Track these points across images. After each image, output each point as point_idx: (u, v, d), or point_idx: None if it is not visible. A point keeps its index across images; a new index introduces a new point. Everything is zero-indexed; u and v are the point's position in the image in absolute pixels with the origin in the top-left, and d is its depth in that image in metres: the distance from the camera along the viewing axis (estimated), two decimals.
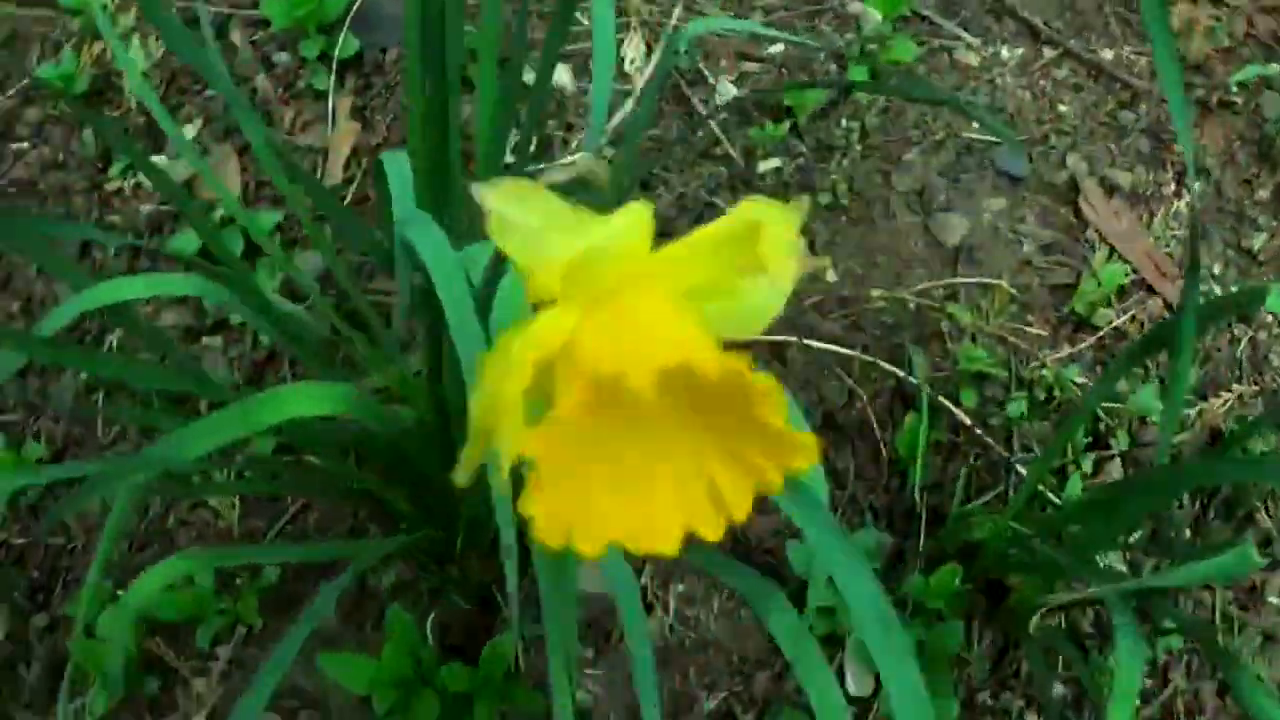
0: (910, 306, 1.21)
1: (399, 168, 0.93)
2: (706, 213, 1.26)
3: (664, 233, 0.44)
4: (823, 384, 1.19)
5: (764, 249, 0.44)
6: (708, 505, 0.45)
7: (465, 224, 0.93)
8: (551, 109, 1.29)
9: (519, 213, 0.45)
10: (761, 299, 0.46)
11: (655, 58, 1.32)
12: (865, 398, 1.18)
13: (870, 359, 1.19)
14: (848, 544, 0.70)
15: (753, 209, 0.46)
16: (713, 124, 1.29)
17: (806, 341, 1.20)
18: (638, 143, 1.23)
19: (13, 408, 1.24)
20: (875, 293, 1.23)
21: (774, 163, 1.29)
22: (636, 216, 0.44)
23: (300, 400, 0.84)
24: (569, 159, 1.25)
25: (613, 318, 0.43)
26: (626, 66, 1.33)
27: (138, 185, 1.32)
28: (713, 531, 0.46)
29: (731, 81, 1.33)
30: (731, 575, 0.82)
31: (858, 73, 1.30)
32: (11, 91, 1.38)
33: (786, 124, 1.29)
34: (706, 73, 1.34)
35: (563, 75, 1.30)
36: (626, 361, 0.42)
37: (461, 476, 0.49)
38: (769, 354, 1.20)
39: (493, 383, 0.45)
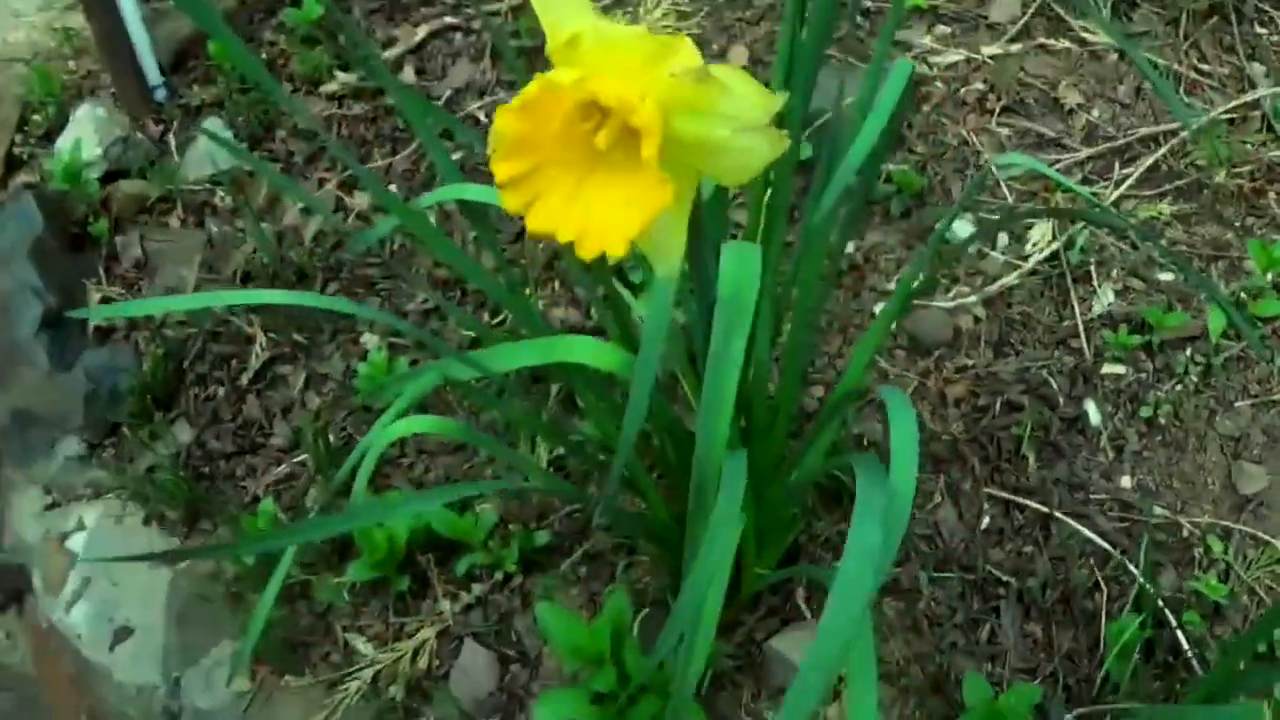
0: (1182, 532, 1.35)
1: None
2: (1043, 389, 1.47)
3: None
4: (1072, 566, 1.35)
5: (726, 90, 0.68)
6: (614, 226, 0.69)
7: None
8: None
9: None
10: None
11: (1055, 245, 1.57)
12: (1106, 592, 1.32)
13: (1123, 559, 1.34)
14: None
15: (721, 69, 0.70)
16: (1079, 318, 1.52)
17: (1077, 525, 1.37)
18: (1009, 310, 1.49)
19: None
20: (1158, 509, 1.37)
21: (1118, 369, 1.48)
22: (644, 37, 0.69)
23: (586, 349, 1.16)
24: None
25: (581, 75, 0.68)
26: (1028, 246, 1.59)
27: None
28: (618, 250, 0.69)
29: (1114, 290, 1.55)
30: None
31: (1217, 316, 1.48)
32: None
33: (1142, 338, 1.49)
34: (1094, 274, 1.57)
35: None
36: (582, 91, 0.67)
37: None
38: (1037, 520, 1.38)
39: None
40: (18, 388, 1.75)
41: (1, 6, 2.37)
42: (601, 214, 0.67)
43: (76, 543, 1.66)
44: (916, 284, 1.24)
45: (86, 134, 1.97)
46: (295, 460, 1.61)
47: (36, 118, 2.10)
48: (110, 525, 1.66)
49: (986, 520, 1.40)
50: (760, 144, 0.67)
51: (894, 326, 1.54)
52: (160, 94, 2.03)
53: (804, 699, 0.75)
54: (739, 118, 0.67)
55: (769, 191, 1.13)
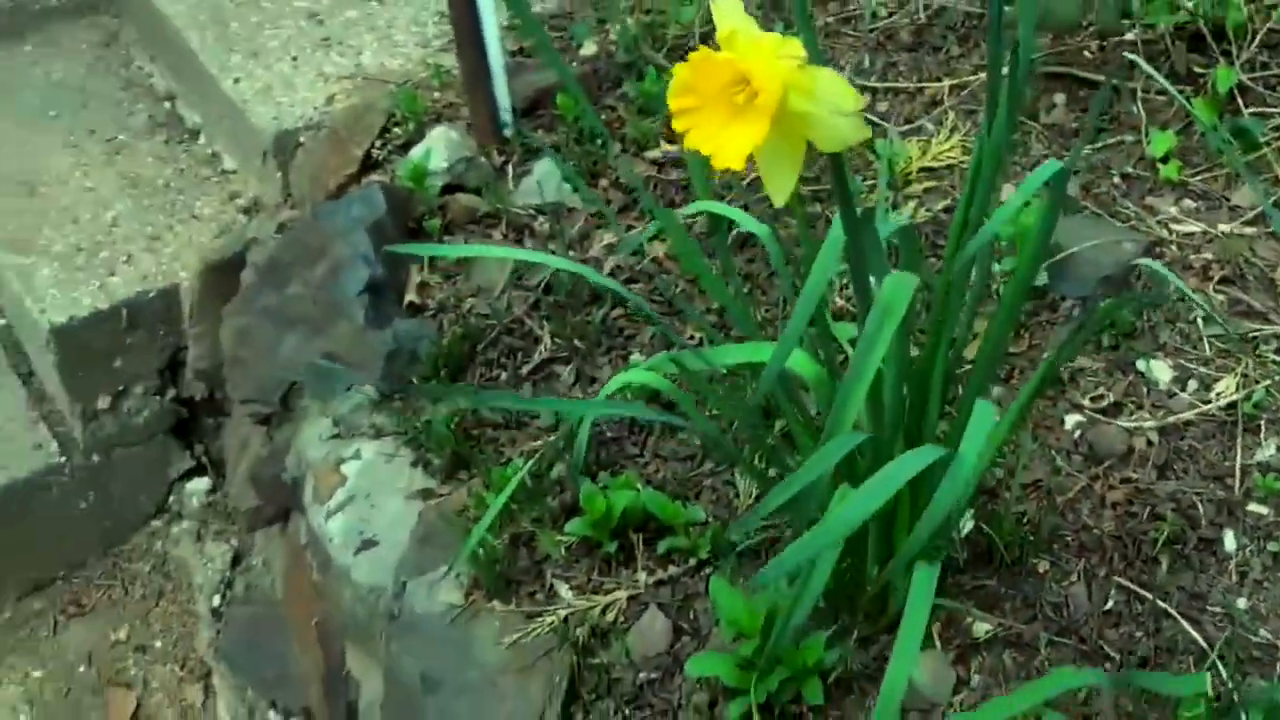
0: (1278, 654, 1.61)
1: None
2: (1190, 511, 1.75)
3: None
4: (1175, 656, 1.62)
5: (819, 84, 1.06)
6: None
7: None
8: None
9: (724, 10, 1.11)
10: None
11: (1236, 396, 1.87)
12: None
13: (1218, 662, 1.61)
14: None
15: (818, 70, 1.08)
16: (1239, 460, 1.81)
17: (1187, 625, 1.64)
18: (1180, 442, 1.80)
19: None
20: (1263, 631, 1.63)
21: (1262, 509, 1.76)
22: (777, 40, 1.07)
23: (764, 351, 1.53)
24: None
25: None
26: (1212, 393, 1.89)
27: None
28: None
29: (1277, 445, 1.82)
30: None
31: None
32: None
33: None
34: (1263, 427, 1.85)
35: None
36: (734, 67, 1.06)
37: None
38: (1153, 614, 1.66)
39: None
40: (333, 336, 2.20)
41: (386, 37, 2.91)
42: (730, 141, 1.05)
43: (350, 469, 2.07)
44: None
45: (437, 149, 2.43)
46: (550, 440, 2.00)
47: (397, 130, 2.59)
48: (382, 461, 2.07)
49: (1110, 604, 1.68)
50: (846, 125, 1.09)
51: (1077, 435, 1.85)
52: (507, 131, 2.48)
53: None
54: (834, 104, 1.08)
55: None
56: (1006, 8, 1.40)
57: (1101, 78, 2.44)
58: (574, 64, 2.65)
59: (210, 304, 2.69)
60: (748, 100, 1.06)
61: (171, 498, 2.89)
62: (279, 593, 2.54)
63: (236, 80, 2.81)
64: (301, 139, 2.67)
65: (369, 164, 2.56)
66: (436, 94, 2.66)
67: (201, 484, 2.89)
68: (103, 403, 2.74)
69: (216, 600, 2.72)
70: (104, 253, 2.78)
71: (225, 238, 2.76)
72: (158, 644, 2.75)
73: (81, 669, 2.73)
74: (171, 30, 3.03)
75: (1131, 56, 2.35)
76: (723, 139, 1.08)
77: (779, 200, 1.12)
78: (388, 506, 2.00)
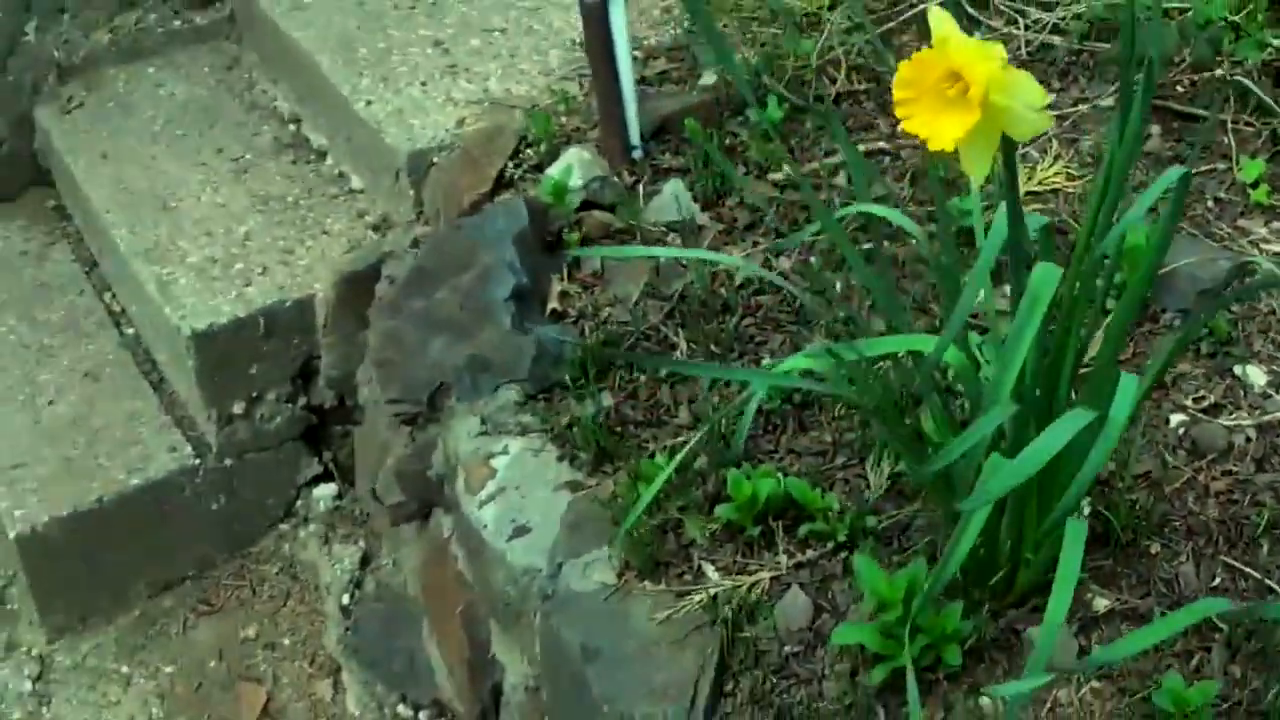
0: None
1: None
2: None
3: None
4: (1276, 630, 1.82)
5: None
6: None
7: None
8: None
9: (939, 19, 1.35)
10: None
11: None
12: None
13: None
14: None
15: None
16: None
17: None
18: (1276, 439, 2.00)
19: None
20: None
21: None
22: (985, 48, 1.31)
23: (915, 341, 1.75)
24: None
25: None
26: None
27: None
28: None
29: None
30: None
31: None
32: None
33: None
34: None
35: None
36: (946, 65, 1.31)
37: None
38: (1256, 589, 1.86)
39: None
40: (481, 339, 2.42)
41: (510, 65, 3.15)
42: (944, 128, 1.29)
43: (499, 463, 2.29)
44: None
45: (574, 168, 2.67)
46: (692, 435, 2.22)
47: (529, 151, 2.83)
48: (529, 456, 2.28)
49: (1217, 580, 1.88)
50: (1036, 118, 1.34)
51: (1181, 433, 2.07)
52: (637, 153, 2.72)
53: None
54: (1027, 99, 1.32)
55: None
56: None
57: (1196, 110, 2.66)
58: (694, 93, 2.89)
59: (344, 314, 2.93)
60: (958, 94, 1.29)
61: (299, 502, 3.12)
62: (412, 589, 2.77)
63: (369, 103, 3.05)
64: (435, 159, 2.91)
65: (502, 183, 2.80)
66: (563, 119, 2.90)
67: (328, 489, 3.12)
68: (238, 408, 2.98)
69: (346, 599, 2.94)
70: (239, 264, 3.02)
71: (359, 251, 2.99)
72: (286, 641, 2.97)
73: (212, 664, 2.95)
74: (300, 54, 3.28)
75: (1245, 82, 2.57)
76: (937, 126, 1.32)
77: (978, 179, 1.35)
78: (537, 496, 2.21)
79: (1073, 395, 1.76)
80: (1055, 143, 2.64)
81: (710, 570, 2.03)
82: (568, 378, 2.36)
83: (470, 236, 2.55)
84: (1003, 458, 1.56)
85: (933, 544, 1.97)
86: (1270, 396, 2.14)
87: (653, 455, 2.18)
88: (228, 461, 3.01)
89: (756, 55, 2.85)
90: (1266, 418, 2.09)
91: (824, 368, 1.76)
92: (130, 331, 3.24)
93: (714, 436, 2.16)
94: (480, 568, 2.25)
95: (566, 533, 2.13)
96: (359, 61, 3.19)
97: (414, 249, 2.84)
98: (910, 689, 1.60)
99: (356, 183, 3.22)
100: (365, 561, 3.00)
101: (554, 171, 2.65)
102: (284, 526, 3.12)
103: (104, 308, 3.30)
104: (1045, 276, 1.44)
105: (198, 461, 2.97)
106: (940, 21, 1.33)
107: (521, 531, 2.17)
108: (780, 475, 2.07)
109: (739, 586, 1.98)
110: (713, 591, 1.98)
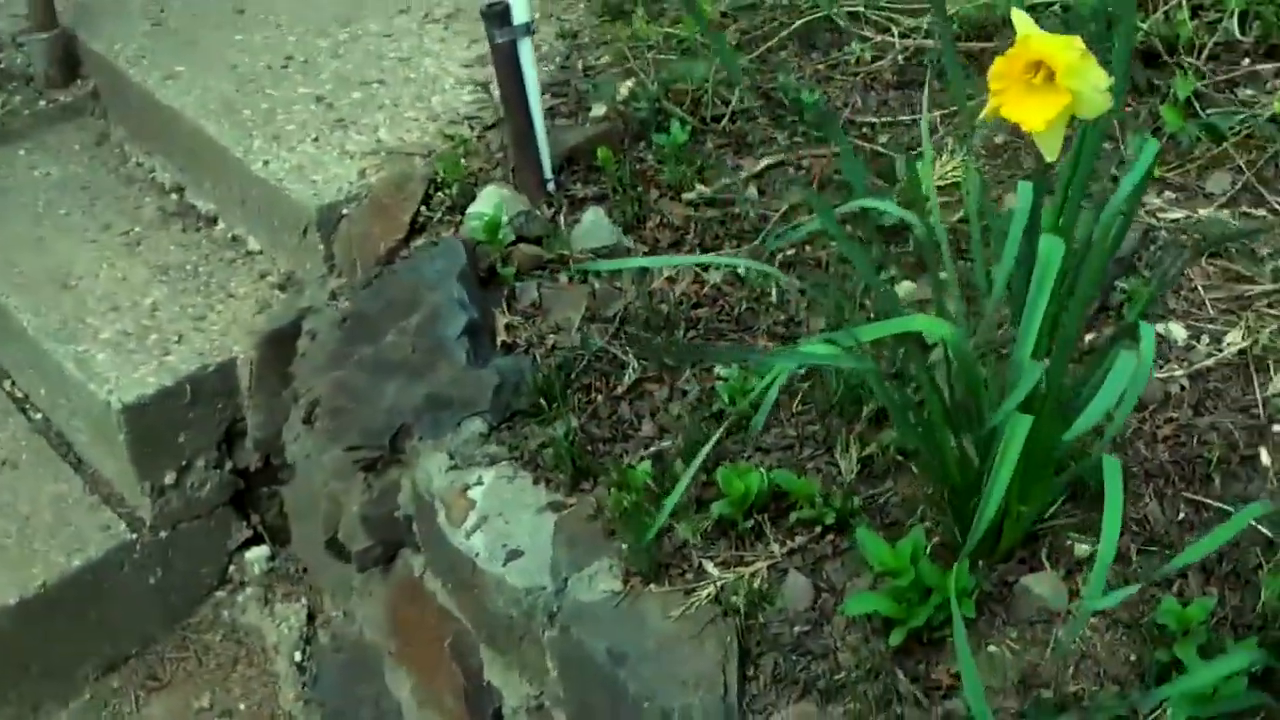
0: None
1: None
2: (1229, 438, 2.19)
3: None
4: (1245, 549, 2.05)
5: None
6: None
7: None
8: None
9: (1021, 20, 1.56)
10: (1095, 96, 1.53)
11: (1245, 343, 2.33)
12: (1265, 566, 2.02)
13: None
14: None
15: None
16: (1258, 393, 2.27)
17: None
18: (1207, 385, 2.24)
19: None
20: None
21: None
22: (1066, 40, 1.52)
23: (924, 323, 1.94)
24: None
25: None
26: (1224, 342, 2.35)
27: None
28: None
29: None
30: None
31: None
32: None
33: None
34: (1271, 365, 2.31)
35: None
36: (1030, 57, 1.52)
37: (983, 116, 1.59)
38: (1219, 518, 2.08)
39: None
40: (437, 377, 2.56)
41: (396, 115, 3.29)
42: (1035, 110, 1.50)
43: (476, 493, 2.41)
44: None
45: (489, 208, 2.81)
46: (660, 446, 2.38)
47: (440, 195, 2.97)
48: (504, 484, 2.42)
49: (1181, 515, 2.11)
50: (1100, 98, 1.53)
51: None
52: (550, 185, 2.88)
53: None
54: (1095, 83, 1.50)
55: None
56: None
57: None
58: (589, 125, 3.06)
59: (268, 374, 3.02)
60: (1042, 81, 1.51)
61: (232, 568, 3.20)
62: (370, 636, 2.88)
63: (266, 162, 3.16)
64: (345, 211, 3.02)
65: (415, 228, 2.93)
66: (463, 160, 3.04)
67: (261, 551, 3.20)
68: (169, 478, 3.05)
69: (298, 655, 3.03)
70: (153, 335, 3.09)
71: (274, 310, 3.09)
72: (241, 706, 3.04)
73: None
74: (182, 122, 3.36)
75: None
76: (1028, 110, 1.54)
77: (1051, 156, 1.55)
78: (522, 521, 2.35)
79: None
80: (950, 140, 2.87)
81: (710, 566, 2.18)
82: (528, 405, 2.50)
83: (409, 279, 2.68)
84: (1023, 415, 1.74)
85: (917, 514, 2.17)
86: (1193, 348, 2.37)
87: (630, 469, 2.33)
88: (162, 534, 3.07)
89: (654, 81, 3.03)
90: (1195, 367, 2.33)
91: (829, 354, 1.92)
92: (39, 416, 3.28)
93: (688, 436, 2.33)
94: (473, 597, 2.38)
95: (564, 549, 2.26)
96: (246, 124, 3.29)
97: (333, 302, 2.96)
98: (958, 632, 1.75)
99: (253, 244, 3.32)
100: (311, 617, 3.09)
101: (483, 209, 2.78)
102: (220, 593, 3.19)
103: (5, 394, 3.33)
104: (1052, 247, 1.63)
105: (133, 536, 3.03)
106: (1022, 22, 1.55)
107: (515, 555, 2.30)
108: (763, 470, 2.24)
109: (740, 578, 2.14)
110: (718, 585, 2.14)
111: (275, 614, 3.11)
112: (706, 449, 1.99)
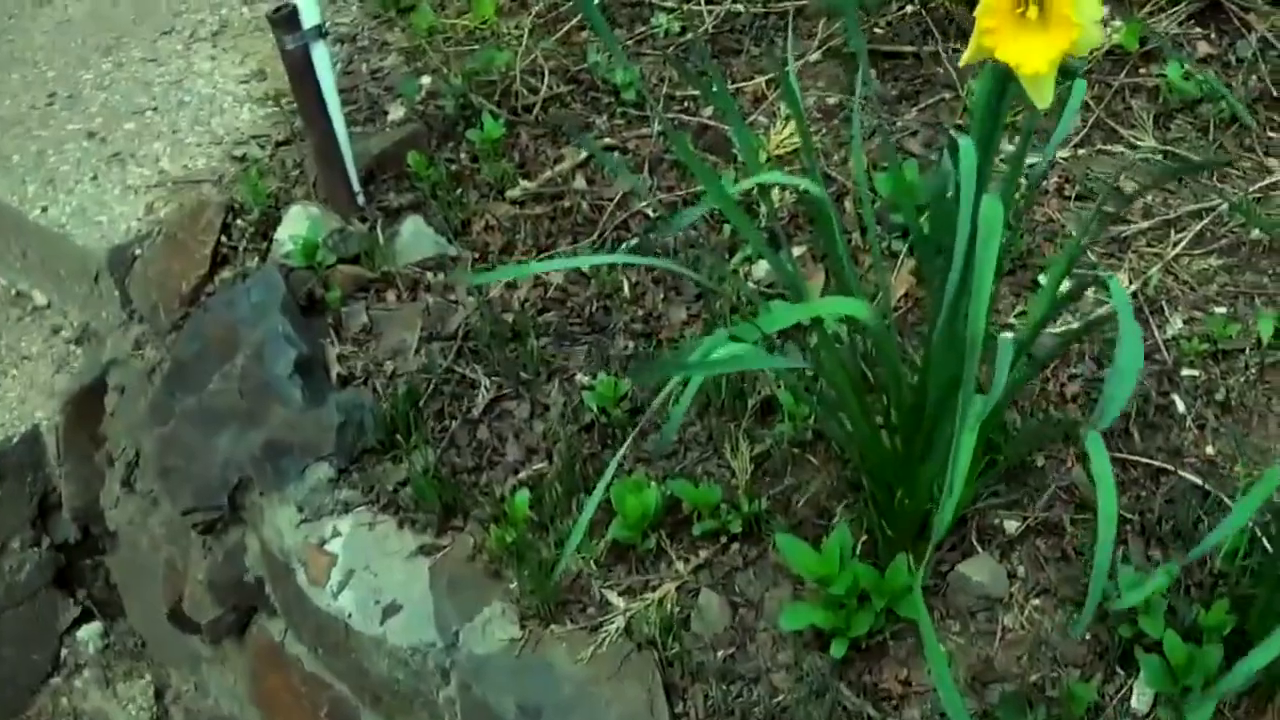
0: None
1: None
2: (1140, 389, 2.01)
3: None
4: (1181, 504, 1.87)
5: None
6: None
7: None
8: None
9: None
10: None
11: (1134, 287, 2.15)
12: (1206, 521, 1.84)
13: (1218, 494, 1.87)
14: None
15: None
16: (1158, 337, 2.09)
17: (1182, 474, 1.89)
18: (1104, 335, 2.04)
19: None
20: (1238, 468, 1.91)
21: (1194, 371, 2.06)
22: None
23: (841, 304, 1.70)
24: None
25: None
26: None
27: None
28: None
29: (1182, 319, 2.14)
30: None
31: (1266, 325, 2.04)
32: None
33: (1209, 346, 2.05)
34: (1165, 308, 2.14)
35: None
36: None
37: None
38: (1148, 474, 1.91)
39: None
40: (272, 422, 2.24)
41: (176, 142, 2.94)
42: (1031, 50, 1.28)
43: (335, 545, 2.12)
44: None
45: (301, 229, 2.50)
46: (533, 469, 2.11)
47: (240, 222, 2.64)
48: (364, 532, 2.13)
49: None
50: (1095, 31, 1.32)
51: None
52: (360, 199, 2.57)
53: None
54: (1090, 15, 1.30)
55: None
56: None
57: (902, 48, 2.72)
58: (391, 129, 2.76)
59: (77, 437, 2.68)
60: (1037, 17, 1.30)
61: (65, 650, 2.84)
62: (228, 708, 2.56)
63: (44, 209, 2.80)
64: (137, 251, 2.68)
65: (218, 261, 2.60)
66: (259, 181, 2.72)
67: (94, 628, 2.85)
68: None
69: None
70: None
71: (75, 369, 2.74)
72: None
73: None
74: None
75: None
76: (1026, 50, 1.32)
77: (1044, 103, 1.35)
78: (393, 570, 2.06)
79: None
80: (782, 106, 2.63)
81: (613, 596, 1.94)
82: (377, 441, 2.21)
83: (224, 317, 2.36)
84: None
85: (833, 510, 1.94)
86: (1083, 297, 2.18)
87: (502, 499, 2.06)
88: None
89: (455, 74, 2.74)
90: (1090, 317, 2.14)
91: (742, 350, 1.67)
92: None
93: (564, 460, 2.07)
94: (350, 661, 2.09)
95: (447, 598, 2.00)
96: (16, 169, 2.92)
97: (139, 351, 2.62)
98: (926, 628, 1.51)
99: (40, 299, 2.95)
100: (159, 694, 2.76)
101: (295, 231, 2.47)
102: (56, 680, 2.84)
103: None
104: (992, 210, 1.41)
105: None
106: None
107: (393, 610, 2.03)
108: (654, 482, 1.99)
109: (648, 605, 1.91)
110: (625, 616, 1.90)
111: (119, 695, 2.77)
112: (610, 470, 1.71)
